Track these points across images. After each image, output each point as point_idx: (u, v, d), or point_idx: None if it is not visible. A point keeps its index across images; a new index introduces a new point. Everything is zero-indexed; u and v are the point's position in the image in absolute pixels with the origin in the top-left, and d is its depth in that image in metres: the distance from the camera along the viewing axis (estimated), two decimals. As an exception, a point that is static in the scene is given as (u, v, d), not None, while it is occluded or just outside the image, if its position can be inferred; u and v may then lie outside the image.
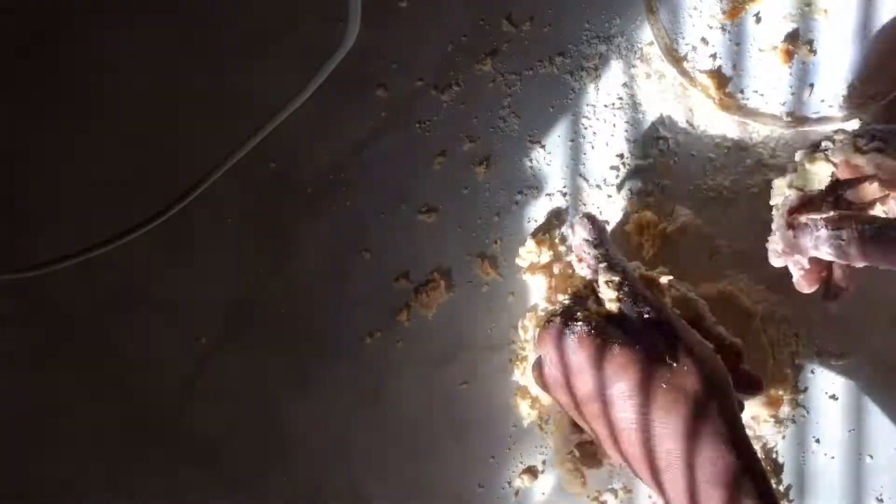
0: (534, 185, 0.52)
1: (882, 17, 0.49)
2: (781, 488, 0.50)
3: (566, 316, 0.44)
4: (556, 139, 0.52)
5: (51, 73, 0.53)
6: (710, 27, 0.51)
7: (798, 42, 0.50)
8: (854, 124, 0.50)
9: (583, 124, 0.52)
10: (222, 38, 0.53)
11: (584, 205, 0.52)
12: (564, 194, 0.52)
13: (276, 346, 0.53)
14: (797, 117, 0.50)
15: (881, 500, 0.50)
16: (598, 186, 0.52)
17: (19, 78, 0.53)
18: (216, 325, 0.53)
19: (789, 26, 0.50)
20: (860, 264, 0.42)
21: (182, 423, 0.53)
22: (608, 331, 0.42)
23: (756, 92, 0.50)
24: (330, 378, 0.52)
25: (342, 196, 0.53)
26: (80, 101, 0.53)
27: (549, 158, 0.52)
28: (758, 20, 0.50)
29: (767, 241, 0.46)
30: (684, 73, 0.51)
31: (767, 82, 0.50)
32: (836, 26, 0.50)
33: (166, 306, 0.53)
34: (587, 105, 0.52)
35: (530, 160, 0.52)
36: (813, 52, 0.50)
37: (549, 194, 0.52)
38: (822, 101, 0.50)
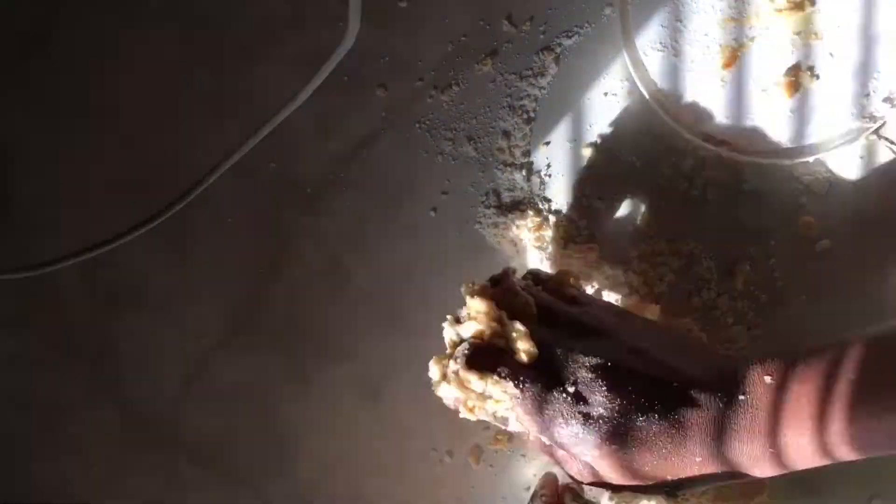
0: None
1: (876, 25, 0.49)
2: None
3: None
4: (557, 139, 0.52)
5: (51, 73, 0.53)
6: (710, 81, 0.50)
7: (799, 71, 0.50)
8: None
9: (583, 124, 0.52)
10: (222, 38, 0.53)
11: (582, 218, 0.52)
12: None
13: (276, 346, 0.53)
14: (816, 144, 0.49)
15: (880, 497, 0.50)
16: (599, 199, 0.52)
17: (19, 78, 0.53)
18: (216, 325, 0.53)
19: (786, 59, 0.50)
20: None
21: (182, 423, 0.53)
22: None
23: (769, 132, 0.50)
24: (330, 378, 0.52)
25: (342, 196, 0.53)
26: (80, 101, 0.53)
27: (549, 159, 0.52)
28: (752, 62, 0.50)
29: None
30: (695, 134, 0.50)
31: (778, 119, 0.50)
32: (832, 45, 0.49)
33: (166, 306, 0.53)
34: (588, 104, 0.52)
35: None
36: (816, 76, 0.50)
37: (548, 197, 0.52)
38: (841, 119, 0.49)
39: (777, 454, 0.39)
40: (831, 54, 0.49)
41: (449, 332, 0.43)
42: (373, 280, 0.52)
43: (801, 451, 0.39)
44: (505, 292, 0.43)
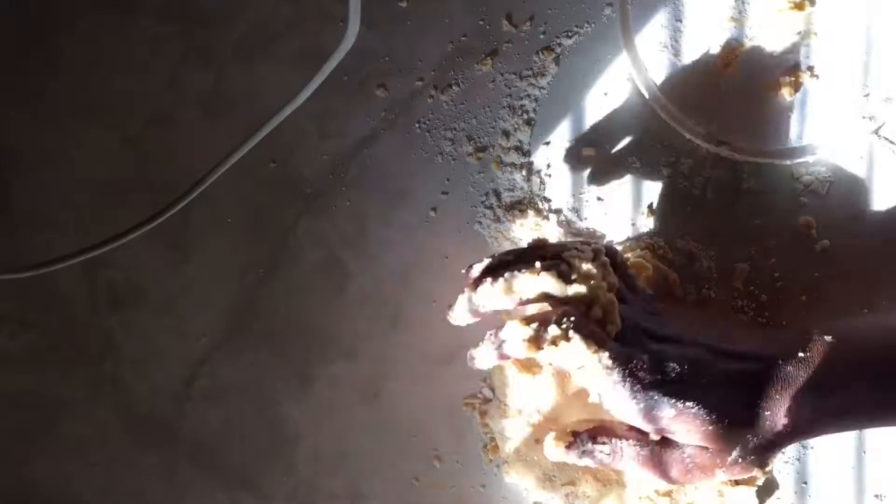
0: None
1: (876, 25, 0.49)
2: (779, 492, 0.50)
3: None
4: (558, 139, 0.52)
5: (51, 73, 0.53)
6: (710, 81, 0.50)
7: (799, 71, 0.50)
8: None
9: (583, 124, 0.52)
10: (222, 38, 0.53)
11: (586, 218, 0.52)
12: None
13: (276, 346, 0.53)
14: (816, 144, 0.49)
15: (880, 498, 0.50)
16: (599, 199, 0.52)
17: (19, 78, 0.53)
18: (216, 325, 0.53)
19: (786, 59, 0.50)
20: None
21: (182, 423, 0.53)
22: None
23: (769, 132, 0.50)
24: (330, 378, 0.52)
25: (342, 196, 0.53)
26: (80, 101, 0.53)
27: (549, 159, 0.52)
28: (752, 62, 0.50)
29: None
30: (695, 134, 0.50)
31: (779, 119, 0.50)
32: (832, 45, 0.49)
33: (166, 306, 0.53)
34: (588, 104, 0.52)
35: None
36: (816, 76, 0.49)
37: (548, 197, 0.52)
38: (841, 119, 0.49)
39: (838, 407, 0.41)
40: (831, 54, 0.49)
41: (548, 285, 0.43)
42: (373, 280, 0.52)
43: (860, 406, 0.41)
44: (601, 267, 0.44)
